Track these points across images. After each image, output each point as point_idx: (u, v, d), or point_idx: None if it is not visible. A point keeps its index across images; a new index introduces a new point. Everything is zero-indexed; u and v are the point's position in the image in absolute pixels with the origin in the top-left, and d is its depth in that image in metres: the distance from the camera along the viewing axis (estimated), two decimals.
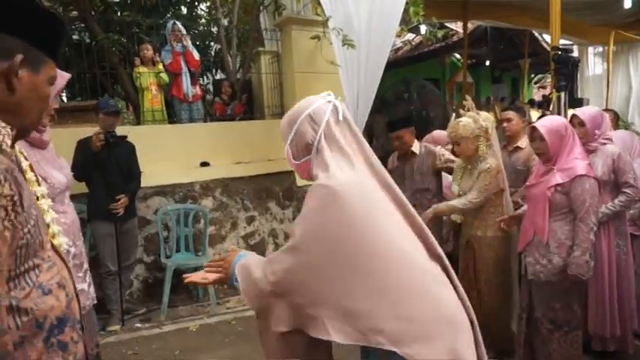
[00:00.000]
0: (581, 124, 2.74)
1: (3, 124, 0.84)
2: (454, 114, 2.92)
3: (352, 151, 1.24)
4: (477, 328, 1.27)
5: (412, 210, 1.28)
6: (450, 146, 3.72)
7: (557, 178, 2.28)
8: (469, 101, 2.86)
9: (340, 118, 1.27)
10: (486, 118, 2.77)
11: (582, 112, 2.80)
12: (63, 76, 1.81)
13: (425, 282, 1.20)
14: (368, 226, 1.17)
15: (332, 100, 1.29)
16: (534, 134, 2.38)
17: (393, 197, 1.26)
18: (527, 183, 2.52)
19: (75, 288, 0.92)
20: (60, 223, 1.60)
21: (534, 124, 2.39)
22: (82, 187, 3.37)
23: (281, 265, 1.22)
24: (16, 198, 0.74)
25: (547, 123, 2.38)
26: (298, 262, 1.19)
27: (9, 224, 0.72)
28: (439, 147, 3.48)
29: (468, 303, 1.28)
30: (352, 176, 1.20)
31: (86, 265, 2.00)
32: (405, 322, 1.13)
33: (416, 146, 3.28)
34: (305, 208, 1.22)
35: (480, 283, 2.80)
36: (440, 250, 1.30)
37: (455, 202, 2.78)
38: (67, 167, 2.08)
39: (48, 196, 1.50)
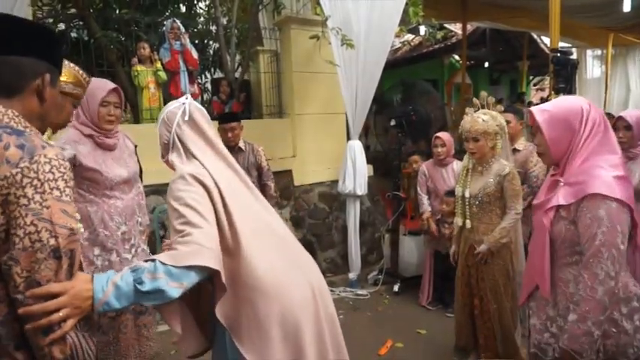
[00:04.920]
0: (628, 127, 2.43)
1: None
2: (466, 114, 2.75)
3: (195, 146, 1.45)
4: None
5: (255, 189, 1.54)
6: (441, 148, 3.74)
7: (559, 197, 1.50)
8: (478, 100, 2.71)
9: (186, 118, 1.46)
10: (501, 116, 2.65)
11: (630, 115, 2.48)
12: (105, 88, 2.26)
13: None
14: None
15: (185, 102, 1.49)
16: (534, 126, 1.64)
17: (239, 178, 1.50)
18: (535, 200, 1.71)
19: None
20: (114, 207, 2.30)
21: (531, 109, 1.65)
22: None
23: None
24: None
25: (551, 107, 1.58)
26: None
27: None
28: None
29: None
30: (188, 167, 1.40)
31: (134, 241, 2.39)
32: None
33: (242, 142, 3.55)
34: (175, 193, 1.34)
35: (483, 291, 2.69)
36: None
37: (505, 224, 2.59)
38: (134, 165, 2.46)
39: (105, 186, 2.25)
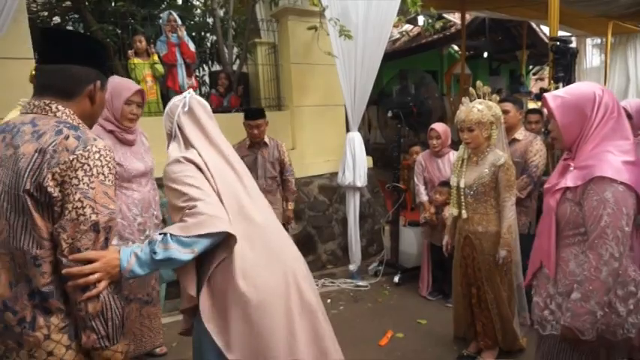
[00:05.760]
0: (628, 117, 2.39)
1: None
2: (462, 104, 2.72)
3: (192, 135, 1.56)
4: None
5: (246, 173, 1.63)
6: (436, 141, 3.74)
7: (568, 179, 1.54)
8: (475, 90, 2.68)
9: (185, 109, 1.59)
10: (496, 106, 2.64)
11: (630, 104, 2.51)
12: (131, 89, 2.44)
13: None
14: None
15: (186, 96, 1.62)
16: (547, 111, 1.66)
17: (230, 167, 1.58)
18: (546, 184, 1.74)
19: None
20: (132, 198, 2.45)
21: (545, 95, 1.67)
22: None
23: None
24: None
25: (564, 93, 1.59)
26: None
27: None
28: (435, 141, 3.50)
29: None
30: (184, 153, 1.52)
31: (149, 233, 2.52)
32: None
33: (266, 137, 3.67)
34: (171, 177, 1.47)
35: (480, 280, 2.70)
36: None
37: (509, 221, 2.56)
38: (150, 160, 2.60)
39: (124, 178, 2.41)
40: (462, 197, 2.71)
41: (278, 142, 3.76)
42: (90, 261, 1.17)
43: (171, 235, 1.32)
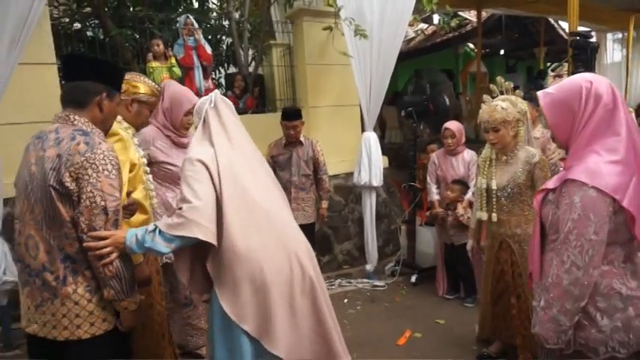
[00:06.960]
0: None
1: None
2: (483, 102, 2.63)
3: (216, 132, 1.76)
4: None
5: (263, 171, 1.85)
6: (451, 140, 3.71)
7: (551, 181, 1.50)
8: (498, 85, 2.58)
9: (212, 105, 1.80)
10: (522, 101, 2.52)
11: None
12: (191, 101, 2.60)
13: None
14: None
15: (212, 95, 1.83)
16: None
17: (245, 161, 1.77)
18: None
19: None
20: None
21: (538, 92, 1.57)
22: None
23: None
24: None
25: (554, 89, 1.48)
26: None
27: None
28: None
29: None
30: (206, 149, 1.73)
31: None
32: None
33: (301, 137, 3.77)
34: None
35: (520, 287, 2.53)
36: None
37: None
38: None
39: (178, 176, 2.47)
40: (494, 199, 2.56)
41: (313, 141, 3.84)
42: (104, 238, 1.49)
43: (159, 229, 1.58)
